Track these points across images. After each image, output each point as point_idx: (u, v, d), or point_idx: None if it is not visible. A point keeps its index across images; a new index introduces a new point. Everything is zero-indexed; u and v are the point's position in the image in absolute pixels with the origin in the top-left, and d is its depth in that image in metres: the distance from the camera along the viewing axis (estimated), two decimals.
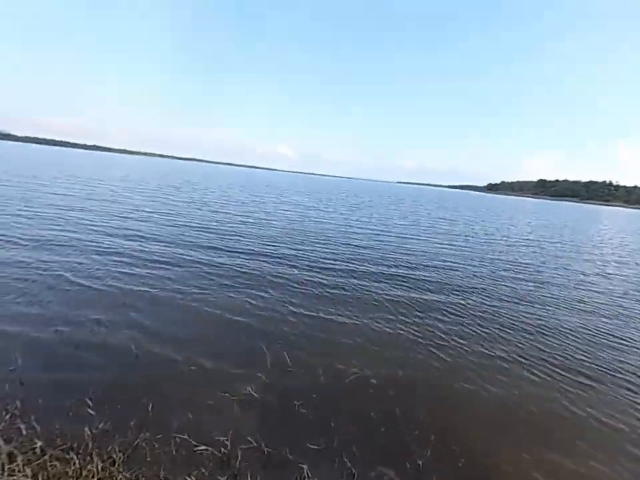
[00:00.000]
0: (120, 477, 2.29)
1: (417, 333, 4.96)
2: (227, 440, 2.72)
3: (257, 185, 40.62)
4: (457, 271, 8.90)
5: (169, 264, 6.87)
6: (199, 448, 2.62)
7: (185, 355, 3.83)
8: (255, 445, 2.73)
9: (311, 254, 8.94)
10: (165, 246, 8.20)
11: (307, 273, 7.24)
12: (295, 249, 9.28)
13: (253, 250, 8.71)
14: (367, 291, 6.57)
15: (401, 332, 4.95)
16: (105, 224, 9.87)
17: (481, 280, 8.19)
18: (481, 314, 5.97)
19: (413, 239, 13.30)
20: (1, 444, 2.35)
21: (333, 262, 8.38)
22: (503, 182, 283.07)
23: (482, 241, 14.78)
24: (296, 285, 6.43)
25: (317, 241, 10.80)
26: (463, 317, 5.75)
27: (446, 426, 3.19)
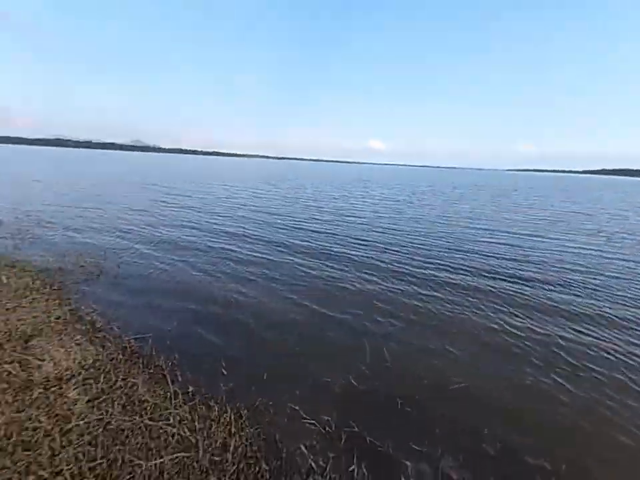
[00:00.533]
0: (246, 429, 2.72)
1: (544, 347, 4.23)
2: (331, 421, 2.91)
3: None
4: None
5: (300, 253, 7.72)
6: (308, 421, 2.89)
7: (291, 338, 4.26)
8: (358, 431, 2.84)
9: (430, 251, 8.63)
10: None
11: (425, 271, 7.03)
12: (415, 245, 9.12)
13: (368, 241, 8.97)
14: (486, 292, 5.96)
15: (523, 345, 4.31)
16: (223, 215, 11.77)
17: None
18: None
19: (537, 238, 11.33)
20: (170, 383, 3.11)
21: (452, 261, 7.89)
22: None
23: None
24: (405, 281, 6.33)
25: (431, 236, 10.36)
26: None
27: (576, 463, 2.64)
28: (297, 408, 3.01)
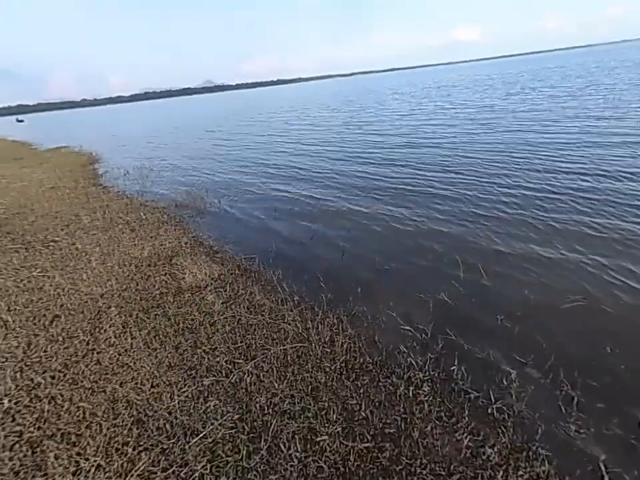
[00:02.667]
0: (348, 330, 3.08)
1: None
2: (427, 329, 3.05)
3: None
4: None
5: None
6: (404, 327, 3.09)
7: (383, 255, 4.36)
8: (455, 339, 2.92)
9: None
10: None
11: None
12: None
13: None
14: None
15: None
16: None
17: None
18: None
19: None
20: (280, 291, 3.66)
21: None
22: None
23: None
24: (502, 198, 5.62)
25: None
26: None
27: None
28: (393, 314, 3.24)
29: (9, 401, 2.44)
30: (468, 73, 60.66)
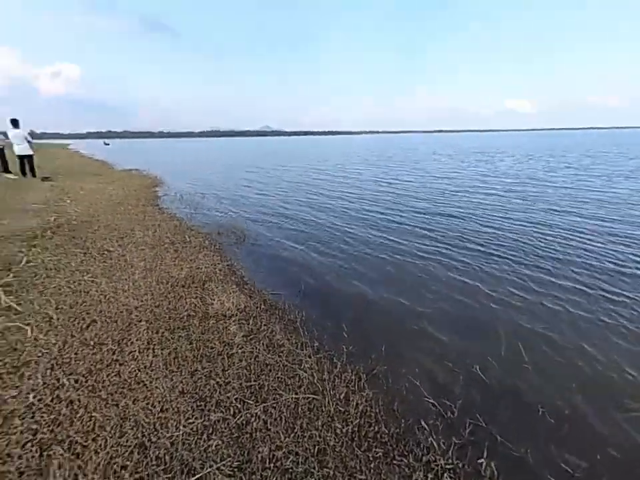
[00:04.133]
0: (366, 391, 2.88)
1: None
2: (454, 407, 2.75)
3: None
4: None
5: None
6: (428, 400, 2.82)
7: (413, 315, 4.18)
8: (485, 426, 2.59)
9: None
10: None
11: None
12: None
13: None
14: None
15: None
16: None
17: None
18: None
19: None
20: (300, 334, 3.60)
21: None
22: None
23: None
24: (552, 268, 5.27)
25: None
26: None
27: None
28: (417, 383, 2.99)
29: (34, 397, 2.56)
30: (518, 142, 61.00)
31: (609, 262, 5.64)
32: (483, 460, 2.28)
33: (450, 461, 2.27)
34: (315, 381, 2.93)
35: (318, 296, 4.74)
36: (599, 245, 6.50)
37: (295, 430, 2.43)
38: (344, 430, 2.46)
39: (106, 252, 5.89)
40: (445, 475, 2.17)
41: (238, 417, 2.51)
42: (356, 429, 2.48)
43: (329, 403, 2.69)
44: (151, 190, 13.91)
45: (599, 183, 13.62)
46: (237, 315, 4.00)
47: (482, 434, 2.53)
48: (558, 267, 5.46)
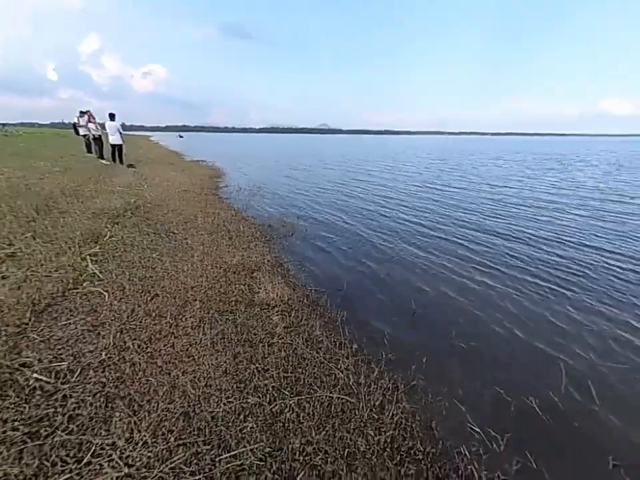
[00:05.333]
0: (403, 403, 2.76)
1: None
2: (500, 439, 2.49)
3: None
4: None
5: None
6: (472, 426, 2.60)
7: (462, 329, 3.89)
8: (537, 468, 2.29)
9: None
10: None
11: None
12: None
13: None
14: None
15: None
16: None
17: None
18: None
19: None
20: (341, 334, 3.58)
21: None
22: None
23: None
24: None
25: None
26: None
27: None
28: (461, 407, 2.77)
29: (105, 354, 2.96)
30: (611, 148, 52.52)
31: None
32: None
33: None
34: (351, 383, 2.90)
35: (360, 299, 4.66)
36: None
37: (327, 428, 2.43)
38: (376, 438, 2.39)
39: (172, 234, 6.54)
40: None
41: (273, 405, 2.59)
42: (389, 440, 2.39)
43: (363, 407, 2.64)
44: (214, 180, 15.06)
45: None
46: (280, 306, 4.13)
47: (532, 474, 2.25)
48: (604, 291, 4.58)
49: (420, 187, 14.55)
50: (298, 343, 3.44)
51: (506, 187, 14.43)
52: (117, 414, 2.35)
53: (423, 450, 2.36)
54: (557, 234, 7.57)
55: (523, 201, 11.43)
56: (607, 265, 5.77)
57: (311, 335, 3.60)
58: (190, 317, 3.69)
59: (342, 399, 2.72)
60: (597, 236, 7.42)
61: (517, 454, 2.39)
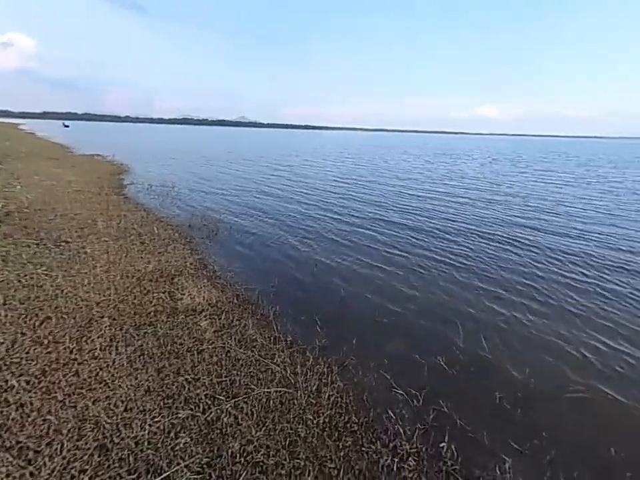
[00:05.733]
0: (337, 383, 2.95)
1: None
2: (419, 396, 2.89)
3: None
4: None
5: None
6: (396, 390, 2.94)
7: (384, 310, 4.30)
8: (448, 412, 2.75)
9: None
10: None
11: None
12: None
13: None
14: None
15: None
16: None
17: None
18: None
19: None
20: (274, 329, 3.58)
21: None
22: None
23: None
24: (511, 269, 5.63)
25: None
26: None
27: None
28: (386, 376, 3.09)
29: None
30: (482, 145, 64.06)
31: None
32: (444, 443, 2.42)
33: (414, 445, 2.39)
34: (288, 375, 2.95)
35: (292, 290, 4.74)
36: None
37: (267, 424, 2.44)
38: (315, 421, 2.50)
39: (63, 243, 5.46)
40: (410, 458, 2.28)
41: (208, 414, 2.46)
42: (327, 420, 2.53)
43: (301, 395, 2.72)
44: (116, 177, 13.05)
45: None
46: (207, 310, 3.90)
47: (445, 419, 2.69)
48: (480, 256, 5.88)
49: (337, 180, 15.32)
50: (231, 345, 3.32)
51: (410, 178, 16.39)
52: (4, 469, 1.91)
53: (357, 421, 2.57)
54: (448, 220, 9.00)
55: (426, 189, 13.22)
56: (485, 245, 7.13)
57: (244, 335, 3.51)
58: (98, 338, 3.18)
59: (280, 391, 2.75)
60: (482, 221, 9.09)
61: (432, 404, 2.81)
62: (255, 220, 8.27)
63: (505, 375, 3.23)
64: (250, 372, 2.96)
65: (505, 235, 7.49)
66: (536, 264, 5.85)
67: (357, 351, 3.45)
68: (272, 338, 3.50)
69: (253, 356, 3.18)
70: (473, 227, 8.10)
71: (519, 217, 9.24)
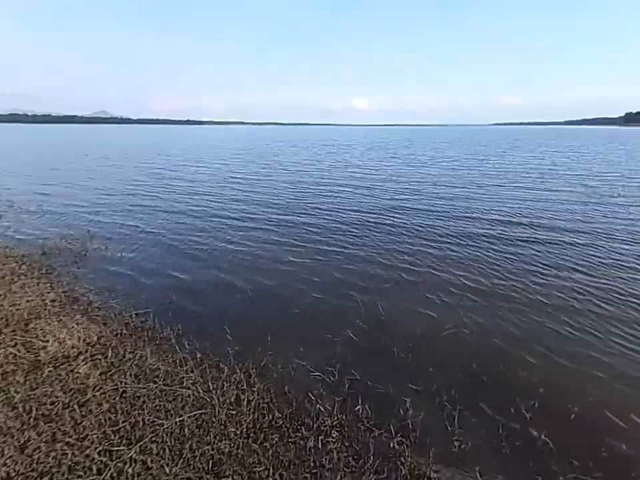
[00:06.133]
0: (257, 385, 2.91)
1: (513, 288, 4.55)
2: (335, 371, 3.13)
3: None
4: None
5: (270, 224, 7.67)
6: (313, 373, 3.10)
7: (289, 301, 4.40)
8: (359, 378, 3.07)
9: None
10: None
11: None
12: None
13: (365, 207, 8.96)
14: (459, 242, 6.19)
15: (505, 288, 4.62)
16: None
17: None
18: None
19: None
20: (178, 351, 3.22)
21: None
22: None
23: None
24: (382, 237, 6.49)
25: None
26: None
27: (550, 384, 2.99)
28: (303, 363, 3.22)
29: None
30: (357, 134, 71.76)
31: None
32: (359, 406, 2.71)
33: (336, 418, 2.60)
34: (201, 395, 2.73)
35: (192, 303, 4.34)
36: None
37: (184, 455, 2.22)
38: (238, 432, 2.42)
39: None
40: (333, 431, 2.47)
41: (105, 473, 2.07)
42: (251, 425, 2.48)
43: (219, 411, 2.57)
44: None
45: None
46: (87, 352, 3.21)
47: (358, 385, 3.00)
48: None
49: (227, 178, 14.65)
50: (125, 383, 2.84)
51: (300, 170, 17.08)
52: None
53: (281, 416, 2.61)
54: (337, 206, 9.88)
55: (316, 181, 14.04)
56: (374, 227, 8.14)
57: (142, 368, 3.05)
58: None
59: (194, 415, 2.53)
60: (368, 205, 10.27)
61: (346, 375, 3.10)
62: (132, 233, 7.10)
63: (398, 330, 3.81)
64: (155, 406, 2.61)
65: (384, 219, 8.69)
66: (408, 239, 7.03)
67: (273, 347, 3.46)
68: (177, 361, 3.15)
69: (156, 387, 2.80)
70: (360, 213, 9.08)
71: (388, 199, 10.83)
